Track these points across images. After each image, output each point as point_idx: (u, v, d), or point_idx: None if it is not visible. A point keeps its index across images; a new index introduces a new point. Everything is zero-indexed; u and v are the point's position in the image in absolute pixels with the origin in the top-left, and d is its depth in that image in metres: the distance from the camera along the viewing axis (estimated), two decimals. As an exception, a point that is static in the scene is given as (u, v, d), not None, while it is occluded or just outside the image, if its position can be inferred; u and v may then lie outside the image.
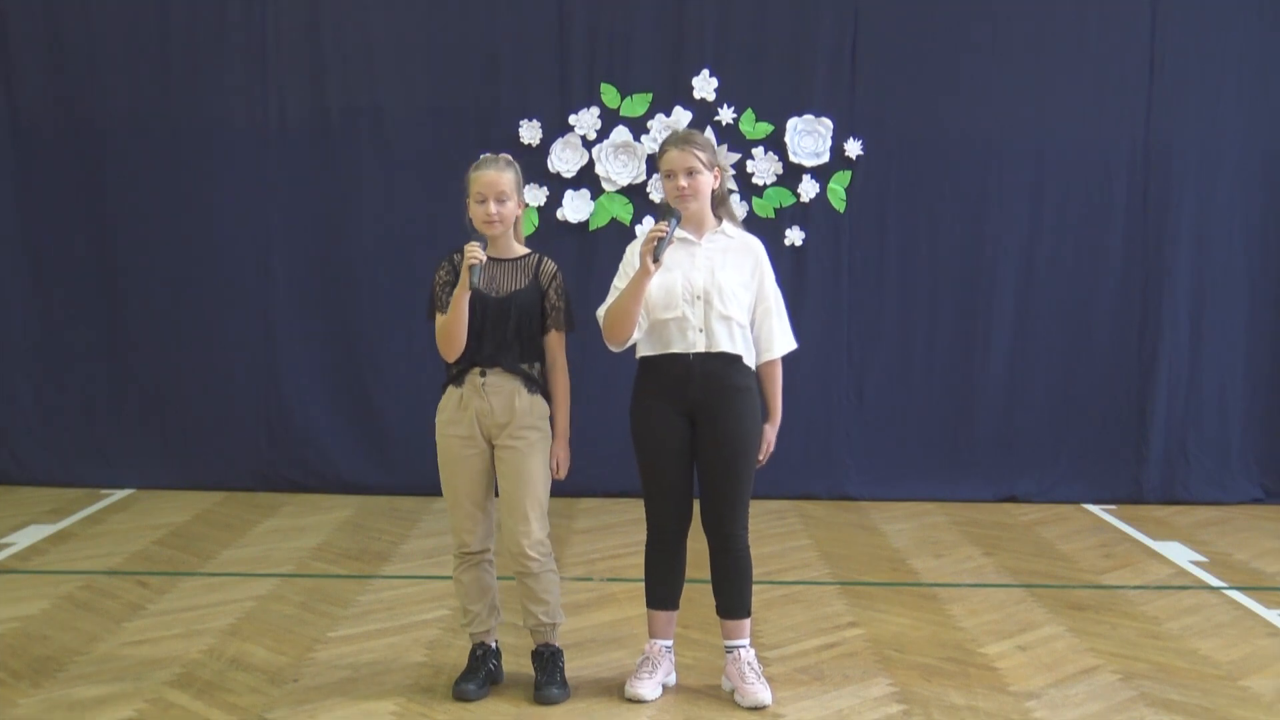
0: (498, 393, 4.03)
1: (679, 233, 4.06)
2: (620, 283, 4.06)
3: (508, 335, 4.03)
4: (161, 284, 7.05)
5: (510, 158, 4.11)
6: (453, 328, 3.97)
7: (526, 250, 4.17)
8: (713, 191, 4.08)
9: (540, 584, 4.09)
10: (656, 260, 3.88)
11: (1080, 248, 7.09)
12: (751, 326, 4.10)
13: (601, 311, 4.08)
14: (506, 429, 4.04)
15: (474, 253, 3.91)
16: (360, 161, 7.02)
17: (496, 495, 4.14)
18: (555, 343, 4.13)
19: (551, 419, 4.12)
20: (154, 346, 7.07)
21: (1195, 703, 4.15)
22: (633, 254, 4.06)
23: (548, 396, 4.11)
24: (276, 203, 7.02)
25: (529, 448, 4.05)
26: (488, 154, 4.16)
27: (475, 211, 4.04)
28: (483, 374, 4.04)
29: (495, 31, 6.97)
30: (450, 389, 4.09)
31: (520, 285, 4.08)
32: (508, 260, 4.10)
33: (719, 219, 4.13)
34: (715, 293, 4.01)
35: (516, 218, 4.12)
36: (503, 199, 4.02)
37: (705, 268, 4.04)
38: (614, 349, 4.09)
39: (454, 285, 4.02)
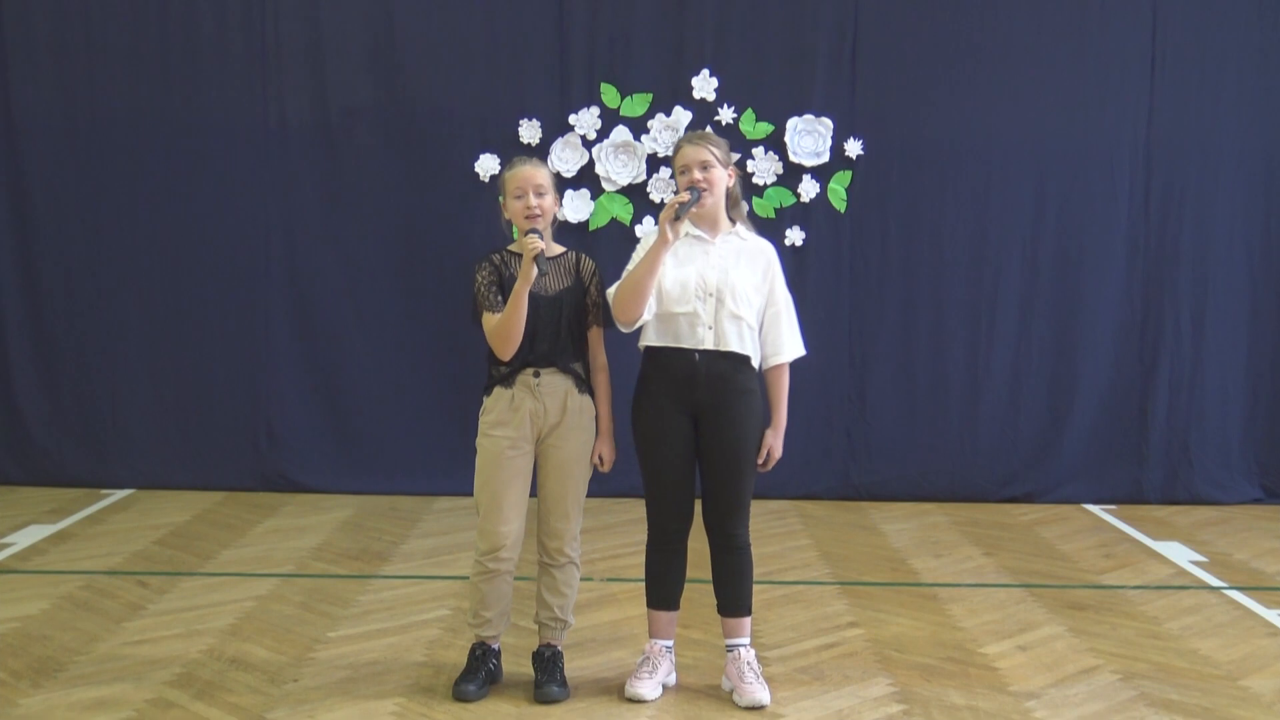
0: (552, 393, 4.03)
1: (695, 230, 4.06)
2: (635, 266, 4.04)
3: (561, 334, 4.04)
4: (161, 283, 7.05)
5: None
6: (512, 323, 3.94)
7: (562, 249, 4.17)
8: (727, 191, 4.09)
9: (565, 576, 4.13)
10: (679, 218, 3.88)
11: (1081, 247, 7.08)
12: (760, 330, 4.10)
13: (613, 290, 4.06)
14: (557, 429, 4.05)
15: (534, 242, 3.87)
16: (360, 161, 7.01)
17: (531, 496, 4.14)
18: (596, 339, 4.15)
19: (596, 416, 4.13)
20: (154, 346, 7.07)
21: (1195, 703, 4.15)
22: (648, 241, 4.04)
23: (592, 394, 4.13)
24: (276, 203, 7.01)
25: (578, 447, 4.08)
26: (519, 155, 4.16)
27: (515, 208, 4.03)
28: (536, 374, 4.03)
29: (495, 31, 6.97)
30: (499, 390, 4.05)
31: (567, 284, 4.08)
32: (551, 259, 4.08)
33: (732, 221, 4.14)
34: (728, 291, 4.00)
35: (554, 216, 4.12)
36: (541, 192, 4.02)
37: (719, 266, 4.04)
38: (624, 328, 4.07)
39: (500, 285, 4.01)
